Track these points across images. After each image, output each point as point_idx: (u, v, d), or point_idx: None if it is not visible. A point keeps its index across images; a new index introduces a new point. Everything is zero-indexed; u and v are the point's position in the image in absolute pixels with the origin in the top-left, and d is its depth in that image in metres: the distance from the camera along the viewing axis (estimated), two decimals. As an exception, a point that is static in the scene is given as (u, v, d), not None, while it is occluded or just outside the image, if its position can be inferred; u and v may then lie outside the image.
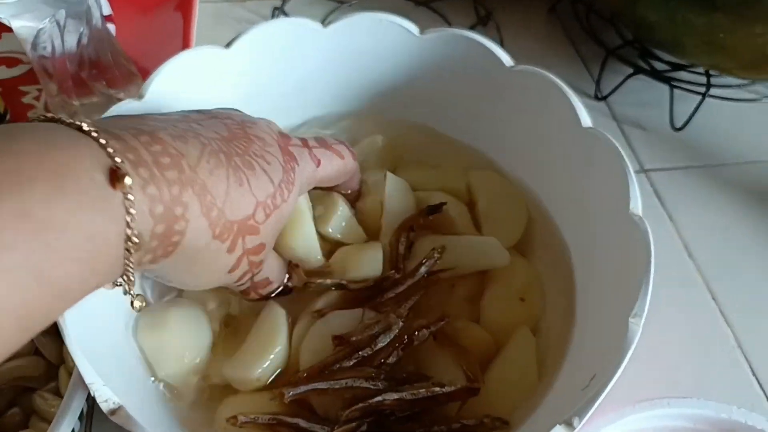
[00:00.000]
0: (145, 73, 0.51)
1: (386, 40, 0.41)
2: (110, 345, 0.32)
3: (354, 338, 0.32)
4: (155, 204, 0.24)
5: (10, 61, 0.55)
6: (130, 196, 0.23)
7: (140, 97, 0.35)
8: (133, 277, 0.25)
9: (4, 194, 0.20)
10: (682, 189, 0.51)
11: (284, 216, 0.31)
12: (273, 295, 0.34)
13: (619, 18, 0.58)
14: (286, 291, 0.35)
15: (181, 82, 0.37)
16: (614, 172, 0.35)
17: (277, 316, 0.34)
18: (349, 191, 0.39)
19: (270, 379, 0.33)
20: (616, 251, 0.34)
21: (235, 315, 0.36)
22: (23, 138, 0.21)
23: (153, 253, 0.25)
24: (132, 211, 0.23)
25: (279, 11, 0.61)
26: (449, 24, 0.62)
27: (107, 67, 0.47)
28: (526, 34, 0.62)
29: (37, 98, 0.52)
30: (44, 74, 0.46)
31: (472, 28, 0.61)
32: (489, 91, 0.41)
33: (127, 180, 0.22)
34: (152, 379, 0.33)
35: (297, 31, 0.40)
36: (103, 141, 0.23)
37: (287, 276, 0.35)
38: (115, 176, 0.22)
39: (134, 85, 0.50)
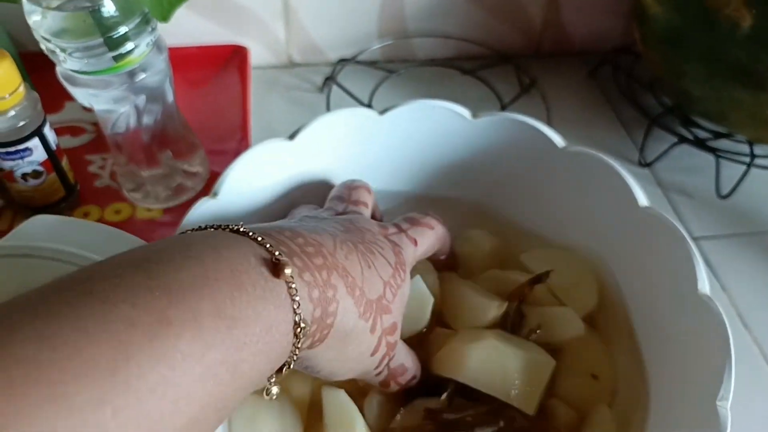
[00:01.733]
0: (204, 143, 0.53)
1: (440, 125, 0.43)
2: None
3: (446, 416, 0.33)
4: (312, 289, 0.26)
5: (75, 130, 0.58)
6: (293, 285, 0.25)
7: (214, 195, 0.37)
8: (292, 364, 0.26)
9: (202, 297, 0.21)
10: (732, 257, 0.51)
11: (405, 295, 0.33)
12: (409, 384, 0.35)
13: (659, 86, 0.60)
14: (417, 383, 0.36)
15: (251, 176, 0.39)
16: (676, 251, 0.35)
17: (340, 398, 0.34)
18: (443, 256, 0.41)
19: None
20: (687, 331, 0.34)
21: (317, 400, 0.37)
22: (198, 245, 0.24)
23: (312, 337, 0.26)
24: (296, 297, 0.25)
25: (331, 81, 0.63)
26: (494, 91, 0.64)
27: (174, 140, 0.50)
28: (568, 100, 0.64)
29: (102, 167, 0.55)
30: (116, 148, 0.49)
31: (518, 96, 0.63)
32: (543, 171, 0.42)
33: (287, 270, 0.24)
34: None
35: (355, 120, 0.42)
36: (260, 239, 0.25)
37: (419, 367, 0.36)
38: (277, 268, 0.24)
39: (197, 156, 0.52)
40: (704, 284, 0.34)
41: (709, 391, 0.30)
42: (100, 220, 0.51)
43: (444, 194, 0.45)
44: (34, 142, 0.45)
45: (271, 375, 0.26)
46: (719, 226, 0.53)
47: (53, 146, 0.47)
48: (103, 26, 0.40)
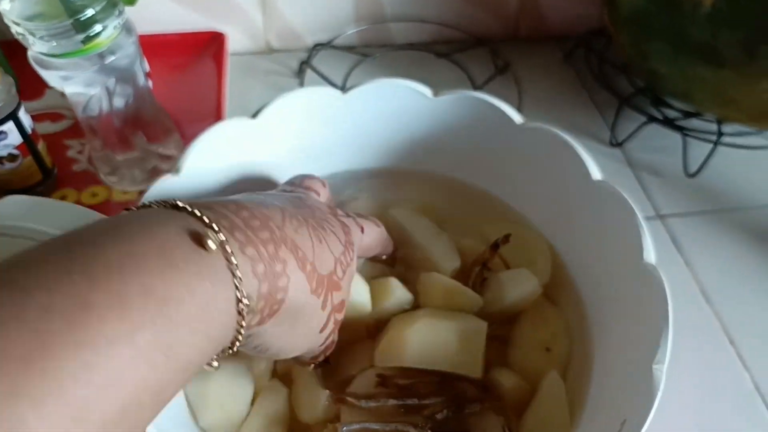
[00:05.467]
0: (180, 127, 0.55)
1: (402, 103, 0.43)
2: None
3: (399, 381, 0.34)
4: (256, 264, 0.25)
5: (54, 117, 0.59)
6: (232, 259, 0.24)
7: (177, 171, 0.37)
8: (239, 343, 0.25)
9: (128, 276, 0.21)
10: (697, 234, 0.52)
11: (353, 274, 0.33)
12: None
13: (630, 68, 0.60)
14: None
15: (214, 154, 0.39)
16: (626, 223, 0.36)
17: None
18: (385, 257, 0.42)
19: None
20: (632, 299, 0.35)
21: (278, 373, 0.38)
22: (129, 223, 0.23)
23: (260, 313, 0.26)
24: (237, 273, 0.24)
25: (306, 65, 0.64)
26: (468, 75, 0.65)
27: (148, 123, 0.51)
28: (542, 82, 0.65)
29: (80, 152, 0.56)
30: (90, 132, 0.50)
31: (491, 78, 0.64)
32: (502, 146, 0.43)
33: (211, 243, 0.23)
34: (195, 426, 0.35)
35: (318, 99, 0.42)
36: (197, 212, 0.24)
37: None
38: (202, 240, 0.23)
39: (171, 140, 0.53)
40: (650, 254, 0.35)
41: (647, 355, 0.31)
42: (77, 203, 0.51)
43: (409, 169, 0.46)
44: (9, 126, 0.46)
45: (226, 353, 0.25)
46: (686, 204, 0.54)
47: (28, 130, 0.48)
48: (70, 9, 0.41)
